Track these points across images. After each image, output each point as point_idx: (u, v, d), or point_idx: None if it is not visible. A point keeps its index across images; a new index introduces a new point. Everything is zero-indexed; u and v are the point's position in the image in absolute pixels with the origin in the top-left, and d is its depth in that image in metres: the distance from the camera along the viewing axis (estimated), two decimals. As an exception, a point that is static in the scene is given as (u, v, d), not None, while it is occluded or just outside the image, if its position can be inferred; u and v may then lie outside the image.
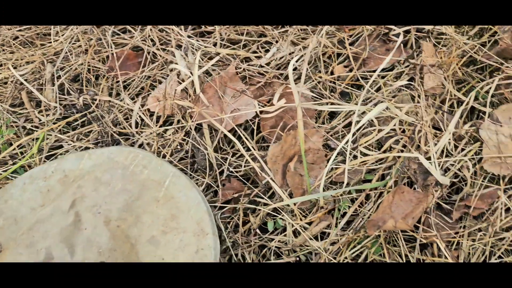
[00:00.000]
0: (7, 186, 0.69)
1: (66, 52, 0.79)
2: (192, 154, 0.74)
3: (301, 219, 0.68)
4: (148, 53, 0.79)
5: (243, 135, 0.73)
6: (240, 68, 0.76)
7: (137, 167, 0.68)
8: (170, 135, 0.75)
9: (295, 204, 0.68)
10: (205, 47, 0.78)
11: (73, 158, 0.70)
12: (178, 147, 0.74)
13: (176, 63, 0.75)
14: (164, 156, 0.73)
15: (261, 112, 0.73)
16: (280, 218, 0.69)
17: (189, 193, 0.66)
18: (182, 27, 0.79)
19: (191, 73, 0.73)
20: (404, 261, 0.67)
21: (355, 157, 0.71)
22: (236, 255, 0.69)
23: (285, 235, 0.70)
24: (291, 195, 0.70)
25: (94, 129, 0.75)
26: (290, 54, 0.79)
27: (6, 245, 0.64)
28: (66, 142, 0.74)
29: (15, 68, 0.80)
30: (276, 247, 0.69)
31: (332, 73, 0.78)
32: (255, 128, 0.75)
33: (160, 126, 0.75)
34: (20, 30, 0.84)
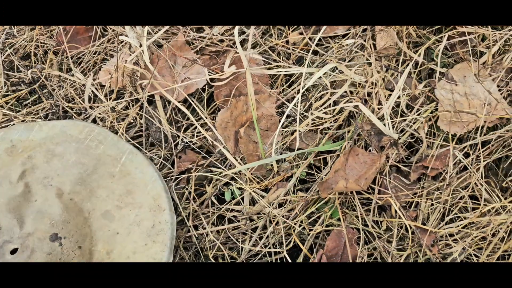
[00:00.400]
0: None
1: (12, 28, 0.77)
2: (146, 127, 0.73)
3: (254, 185, 0.67)
4: (98, 26, 0.77)
5: (195, 104, 0.71)
6: (190, 36, 0.74)
7: (93, 142, 0.67)
8: (122, 109, 0.73)
9: (248, 170, 0.67)
10: (155, 17, 0.76)
11: (21, 128, 0.68)
12: (132, 121, 0.72)
13: (126, 35, 0.73)
14: (117, 131, 0.71)
15: (212, 80, 0.72)
16: (237, 188, 0.68)
17: (145, 170, 0.65)
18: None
19: (140, 44, 0.72)
20: (361, 226, 0.66)
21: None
22: (195, 226, 0.68)
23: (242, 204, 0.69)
24: (246, 164, 0.69)
25: (44, 106, 0.74)
26: (244, 22, 0.77)
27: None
28: (16, 118, 0.73)
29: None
30: (233, 216, 0.68)
31: (287, 40, 0.77)
32: (207, 97, 0.74)
33: (113, 100, 0.73)
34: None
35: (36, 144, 0.67)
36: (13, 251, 0.60)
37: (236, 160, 0.67)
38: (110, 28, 0.77)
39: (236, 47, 0.75)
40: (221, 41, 0.76)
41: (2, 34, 0.76)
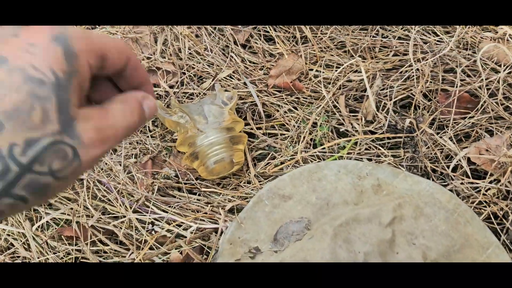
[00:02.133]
0: (320, 164, 0.66)
1: (402, 72, 0.77)
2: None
3: None
4: (482, 104, 0.73)
5: None
6: None
7: (461, 217, 0.61)
8: (484, 194, 0.67)
9: None
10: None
11: (388, 170, 0.65)
12: (499, 212, 0.65)
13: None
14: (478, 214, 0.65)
15: None
16: None
17: (511, 274, 0.57)
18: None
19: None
20: None
21: None
22: None
23: None
24: None
25: (407, 156, 0.70)
26: None
27: (314, 225, 0.60)
28: (381, 154, 0.71)
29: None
30: None
31: None
32: None
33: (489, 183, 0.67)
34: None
35: (402, 192, 0.63)
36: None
37: None
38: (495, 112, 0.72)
39: None
40: None
41: (389, 76, 0.76)
